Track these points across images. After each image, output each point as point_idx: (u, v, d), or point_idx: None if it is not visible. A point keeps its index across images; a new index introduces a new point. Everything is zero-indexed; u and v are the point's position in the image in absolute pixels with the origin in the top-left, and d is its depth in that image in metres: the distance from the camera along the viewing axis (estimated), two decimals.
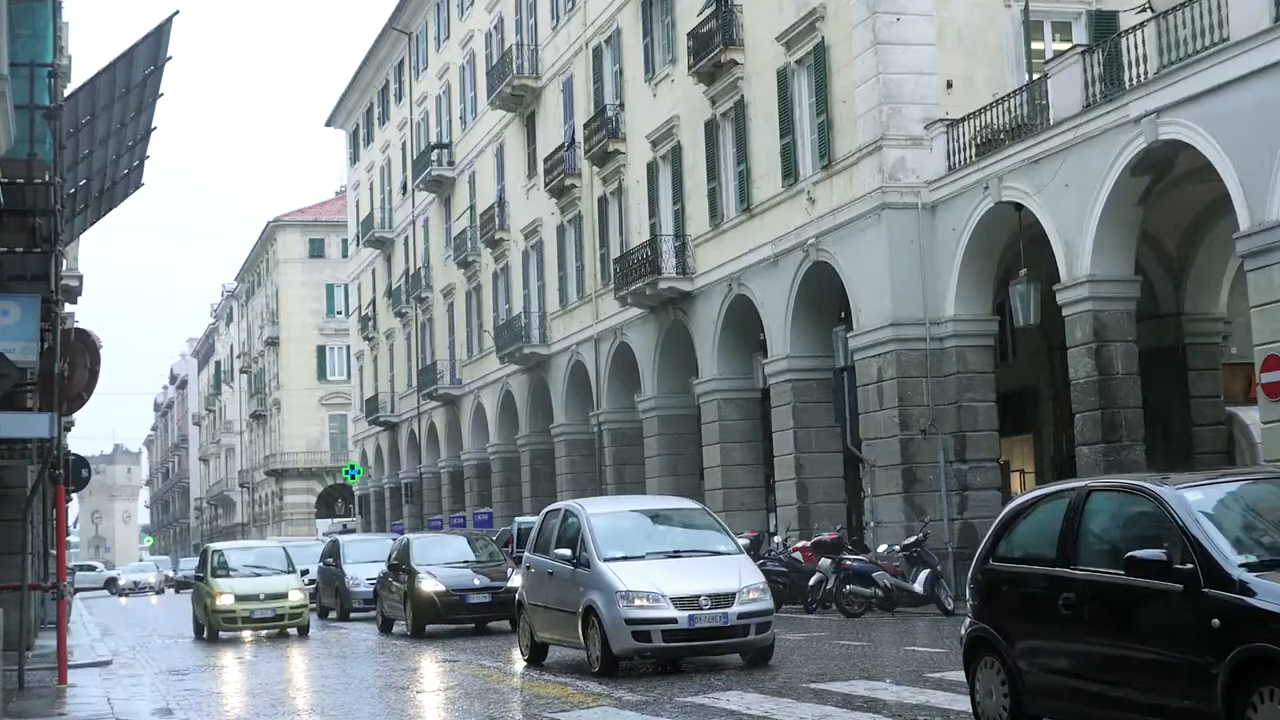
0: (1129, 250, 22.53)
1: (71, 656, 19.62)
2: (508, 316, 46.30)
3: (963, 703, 11.99)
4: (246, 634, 26.51)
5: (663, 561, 15.85)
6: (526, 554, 17.98)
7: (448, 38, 54.06)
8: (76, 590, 67.79)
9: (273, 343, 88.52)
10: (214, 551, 28.16)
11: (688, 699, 13.27)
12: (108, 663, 21.42)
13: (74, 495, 29.41)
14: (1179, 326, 26.34)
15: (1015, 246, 24.31)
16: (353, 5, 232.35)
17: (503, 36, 47.25)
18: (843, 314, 27.77)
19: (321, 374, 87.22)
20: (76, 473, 21.84)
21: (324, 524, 71.93)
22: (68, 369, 17.84)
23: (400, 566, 25.40)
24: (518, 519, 36.00)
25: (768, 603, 15.60)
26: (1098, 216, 21.95)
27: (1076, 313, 22.59)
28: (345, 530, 68.39)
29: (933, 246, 25.72)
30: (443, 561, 25.15)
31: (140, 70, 17.85)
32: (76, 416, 34.20)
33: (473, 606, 24.22)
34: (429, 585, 24.22)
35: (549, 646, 17.53)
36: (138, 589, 70.57)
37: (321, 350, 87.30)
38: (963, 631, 10.47)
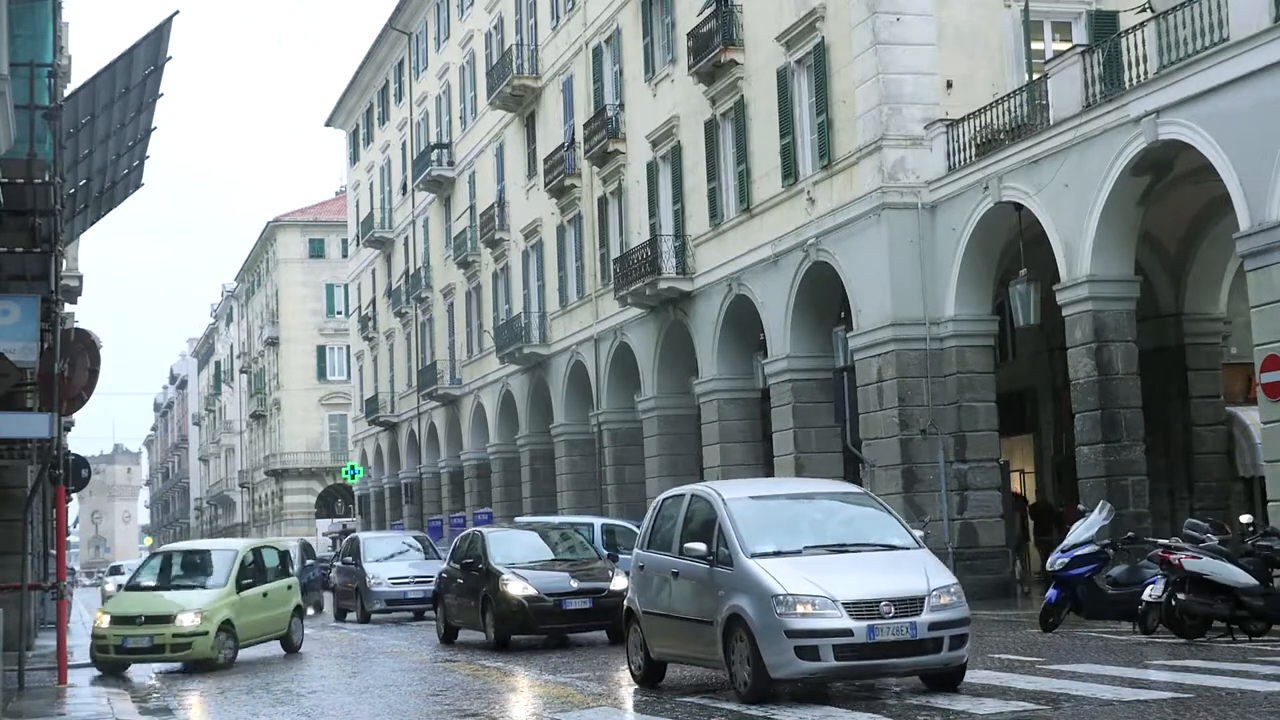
0: (1129, 250, 22.52)
1: (71, 656, 19.62)
2: (508, 316, 46.30)
3: (963, 702, 11.97)
4: (154, 668, 20.27)
5: (827, 557, 12.81)
6: (638, 550, 14.97)
7: (448, 38, 54.07)
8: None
9: (273, 343, 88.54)
10: (150, 556, 22.36)
11: (688, 699, 13.25)
12: None
13: (74, 495, 29.32)
14: (1179, 326, 26.33)
15: (1015, 246, 24.31)
16: (353, 5, 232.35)
17: (503, 36, 47.25)
18: (843, 314, 27.75)
19: (321, 374, 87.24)
20: (76, 473, 21.86)
21: (324, 524, 71.88)
22: (68, 369, 17.86)
23: (474, 566, 21.84)
24: (518, 519, 35.98)
25: (964, 609, 12.50)
26: (1097, 216, 21.95)
27: (1076, 313, 22.58)
28: (345, 530, 68.45)
29: (933, 246, 25.72)
30: (527, 560, 21.56)
31: (140, 70, 17.88)
32: (76, 416, 34.22)
33: (569, 614, 20.50)
34: (517, 588, 20.54)
35: (667, 664, 14.58)
36: None
37: (321, 350, 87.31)
38: None
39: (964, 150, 25.13)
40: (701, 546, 13.16)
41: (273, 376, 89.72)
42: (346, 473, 66.74)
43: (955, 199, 25.26)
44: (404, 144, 59.93)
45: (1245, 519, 19.52)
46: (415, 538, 33.84)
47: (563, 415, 42.02)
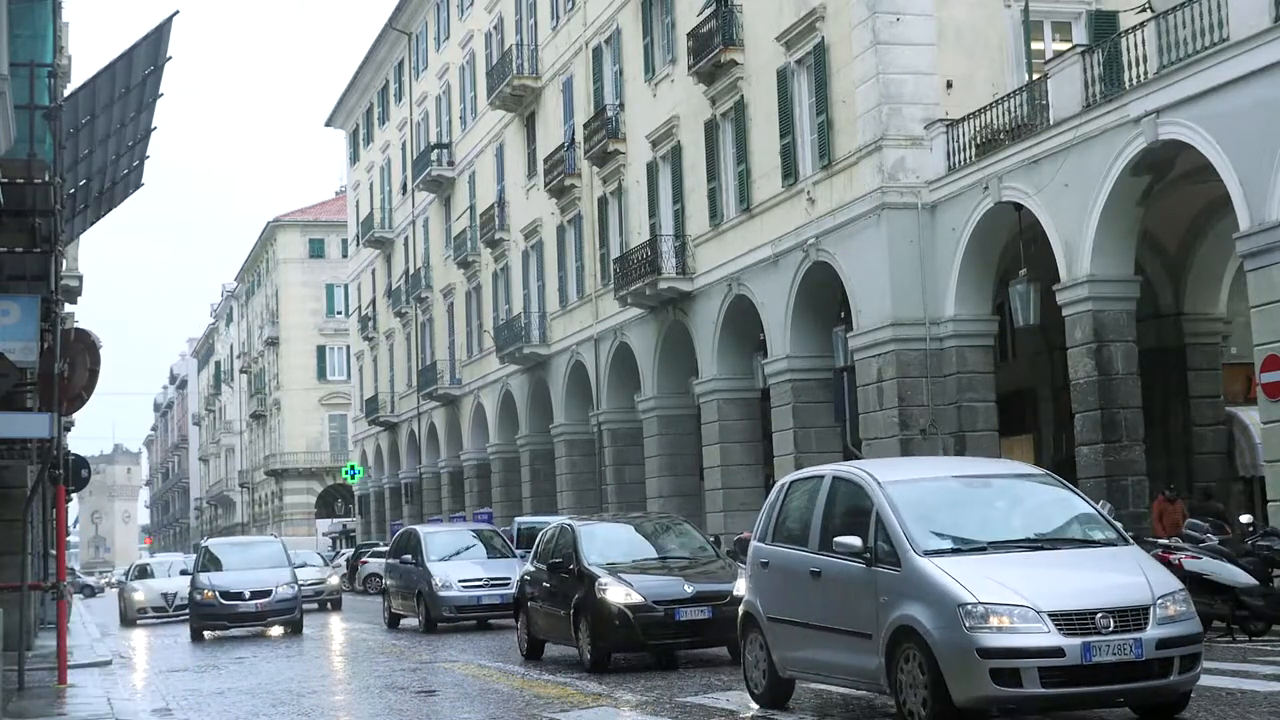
0: (1129, 250, 22.53)
1: (71, 656, 19.62)
2: (508, 316, 46.31)
3: None
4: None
5: (1020, 555, 10.34)
6: (757, 543, 12.46)
7: (447, 38, 54.08)
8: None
9: (273, 343, 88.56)
10: None
11: (688, 699, 13.25)
12: (108, 663, 21.43)
13: (74, 495, 29.24)
14: (1179, 326, 26.34)
15: (1015, 246, 24.31)
16: (353, 5, 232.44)
17: (502, 36, 47.25)
18: (843, 314, 27.76)
19: (321, 374, 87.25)
20: (76, 473, 21.83)
21: (324, 524, 71.99)
22: (68, 369, 17.85)
23: (563, 567, 17.81)
24: (518, 519, 35.95)
25: (1195, 622, 10.08)
26: (1097, 216, 21.95)
27: (1076, 313, 22.59)
28: (345, 531, 68.53)
29: (933, 246, 25.72)
30: (629, 559, 17.58)
31: (140, 70, 17.86)
32: (76, 416, 34.20)
33: (683, 626, 16.47)
34: (618, 595, 16.53)
35: (795, 682, 12.33)
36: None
37: (321, 350, 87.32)
38: None
39: (964, 150, 25.13)
40: (856, 541, 10.70)
41: (273, 376, 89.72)
42: (346, 473, 66.78)
43: (955, 199, 25.26)
44: (404, 144, 59.94)
45: (1245, 519, 19.52)
46: (476, 531, 29.14)
47: (563, 415, 42.02)
